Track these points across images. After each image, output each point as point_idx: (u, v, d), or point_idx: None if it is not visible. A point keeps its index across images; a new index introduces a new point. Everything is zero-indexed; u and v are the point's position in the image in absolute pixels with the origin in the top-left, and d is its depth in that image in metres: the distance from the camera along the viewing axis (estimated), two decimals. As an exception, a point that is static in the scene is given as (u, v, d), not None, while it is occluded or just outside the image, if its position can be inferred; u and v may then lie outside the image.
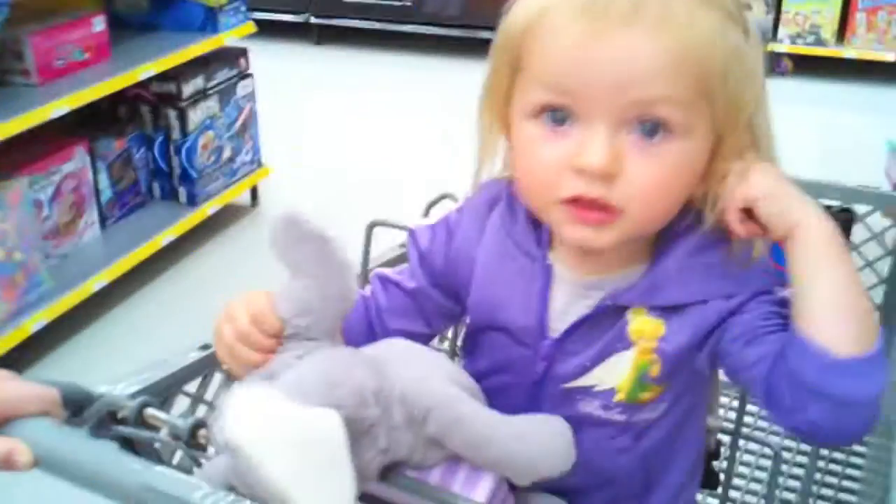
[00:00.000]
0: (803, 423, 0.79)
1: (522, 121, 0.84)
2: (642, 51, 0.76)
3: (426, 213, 1.29)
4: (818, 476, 1.53)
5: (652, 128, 0.79)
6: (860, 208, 1.53)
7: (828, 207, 1.46)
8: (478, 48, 3.21)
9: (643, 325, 0.86)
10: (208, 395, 1.06)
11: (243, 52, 3.32)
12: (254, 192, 3.56)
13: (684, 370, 0.88)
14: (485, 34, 4.16)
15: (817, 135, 4.38)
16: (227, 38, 3.17)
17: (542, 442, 0.85)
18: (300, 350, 0.83)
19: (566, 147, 0.80)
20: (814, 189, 1.44)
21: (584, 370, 0.89)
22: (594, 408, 0.90)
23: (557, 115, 0.81)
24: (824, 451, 1.54)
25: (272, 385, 0.78)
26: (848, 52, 4.99)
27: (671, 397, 0.90)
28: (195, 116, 3.08)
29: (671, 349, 0.86)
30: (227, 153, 3.27)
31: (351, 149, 4.31)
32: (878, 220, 1.49)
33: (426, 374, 0.86)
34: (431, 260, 0.97)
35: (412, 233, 1.00)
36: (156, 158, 3.12)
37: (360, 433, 0.79)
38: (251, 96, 3.36)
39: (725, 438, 1.24)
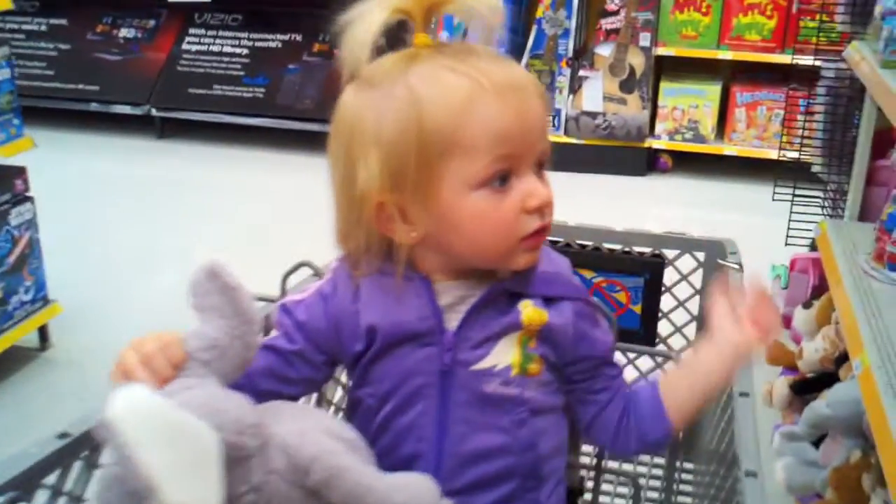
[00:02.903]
0: (624, 453, 1.34)
1: (465, 194, 0.99)
2: (541, 113, 1.03)
3: (284, 280, 1.39)
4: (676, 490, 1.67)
5: (541, 163, 1.03)
6: (669, 253, 1.67)
7: (640, 253, 1.65)
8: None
9: (533, 314, 1.05)
10: (67, 487, 1.03)
11: (20, 173, 2.76)
12: (43, 333, 2.97)
13: (551, 354, 1.08)
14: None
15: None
16: (-5, 157, 2.62)
17: (416, 494, 0.95)
18: (192, 382, 0.90)
19: (512, 198, 1.00)
20: (627, 238, 1.67)
21: (486, 353, 1.04)
22: (496, 386, 1.04)
23: (504, 178, 0.99)
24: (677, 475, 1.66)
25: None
26: (728, 148, 4.73)
27: (548, 379, 1.08)
28: (-54, 255, 2.50)
29: (547, 330, 1.06)
30: (-5, 295, 2.69)
31: (188, 258, 3.76)
32: (686, 263, 1.64)
33: (308, 427, 0.93)
34: (312, 326, 1.09)
35: (283, 307, 1.11)
36: None
37: (234, 461, 0.85)
38: (31, 223, 2.79)
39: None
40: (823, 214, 2.31)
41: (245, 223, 4.09)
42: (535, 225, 1.01)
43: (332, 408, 1.48)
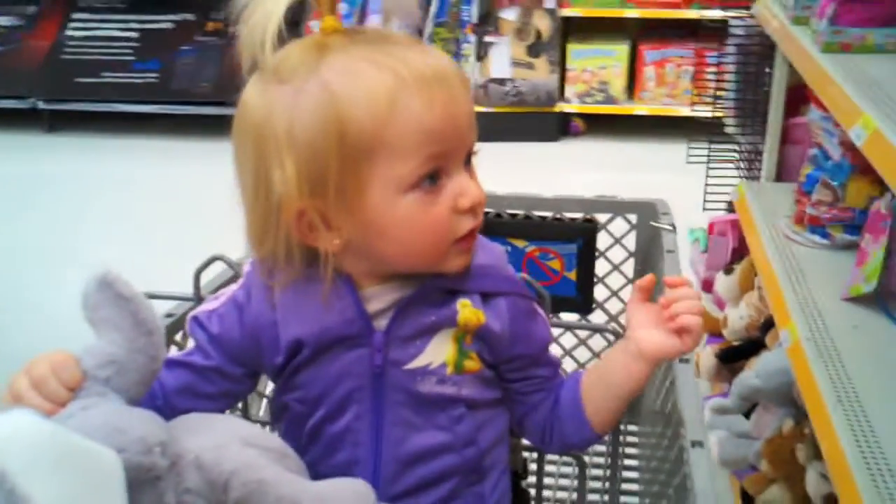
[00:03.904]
0: (550, 450, 1.22)
1: (395, 198, 0.93)
2: (468, 105, 0.97)
3: (197, 277, 1.31)
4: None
5: (469, 158, 0.98)
6: (601, 217, 1.66)
7: (573, 219, 1.61)
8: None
9: (470, 316, 1.00)
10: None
11: None
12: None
13: (486, 353, 1.04)
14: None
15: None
16: None
17: (347, 502, 0.90)
18: (90, 402, 0.83)
19: (443, 199, 0.94)
20: (557, 204, 1.65)
21: (418, 350, 1.00)
22: (432, 385, 1.01)
23: (434, 179, 0.94)
24: (629, 451, 1.65)
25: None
26: (639, 108, 4.68)
27: (486, 375, 1.05)
28: None
29: (483, 331, 1.02)
30: None
31: (88, 260, 3.54)
32: (619, 226, 1.65)
33: (222, 440, 0.87)
34: (227, 339, 1.03)
35: (195, 319, 1.05)
36: None
37: (142, 483, 0.80)
38: None
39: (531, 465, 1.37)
40: (740, 175, 2.24)
41: (147, 217, 3.88)
42: (469, 225, 0.97)
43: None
